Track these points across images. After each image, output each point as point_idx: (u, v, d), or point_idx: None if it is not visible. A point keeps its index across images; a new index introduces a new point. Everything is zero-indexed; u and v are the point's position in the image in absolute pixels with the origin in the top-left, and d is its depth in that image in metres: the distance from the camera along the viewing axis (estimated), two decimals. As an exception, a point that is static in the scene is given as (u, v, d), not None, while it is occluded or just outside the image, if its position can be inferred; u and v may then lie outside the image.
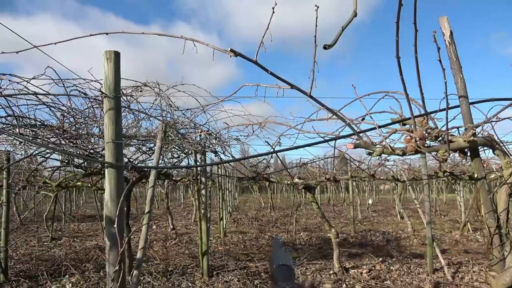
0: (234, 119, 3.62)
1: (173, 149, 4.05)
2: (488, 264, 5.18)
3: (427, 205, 5.30)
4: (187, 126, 3.80)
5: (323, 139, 2.17)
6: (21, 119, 2.52)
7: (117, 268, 2.01)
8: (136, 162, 3.97)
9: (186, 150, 4.19)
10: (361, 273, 5.16)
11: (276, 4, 1.31)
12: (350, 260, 6.05)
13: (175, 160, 4.43)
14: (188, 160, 4.66)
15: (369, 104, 2.15)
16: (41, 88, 2.26)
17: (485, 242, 7.62)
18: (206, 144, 4.18)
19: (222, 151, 4.50)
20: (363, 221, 12.07)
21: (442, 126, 1.84)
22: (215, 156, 4.75)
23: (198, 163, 4.55)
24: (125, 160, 3.74)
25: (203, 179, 4.89)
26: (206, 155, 4.65)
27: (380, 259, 5.93)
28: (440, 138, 1.85)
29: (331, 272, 5.14)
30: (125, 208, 3.78)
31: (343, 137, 2.00)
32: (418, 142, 1.73)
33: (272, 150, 3.39)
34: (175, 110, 3.46)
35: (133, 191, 9.11)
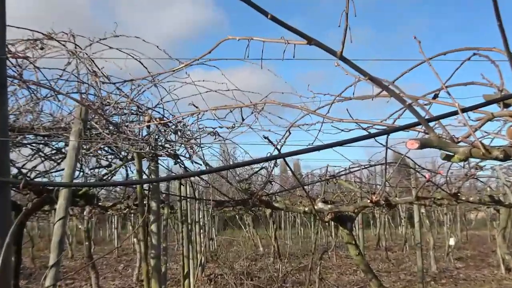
0: (208, 98, 3.64)
1: (99, 151, 4.08)
2: None
3: (551, 248, 5.39)
4: (125, 110, 3.83)
5: (367, 133, 2.21)
6: None
7: None
8: (33, 175, 3.98)
9: (123, 152, 4.22)
10: None
11: None
12: None
13: (104, 170, 4.45)
14: (126, 170, 4.68)
15: (445, 71, 2.18)
16: None
17: None
18: (159, 143, 4.21)
19: (187, 155, 4.53)
20: (441, 276, 12.17)
21: None
22: (176, 163, 4.78)
23: (144, 177, 4.57)
24: (14, 170, 3.75)
25: (153, 204, 4.91)
26: (160, 161, 4.68)
27: None
28: None
29: None
30: (13, 258, 3.80)
31: (401, 129, 2.05)
32: (531, 137, 1.77)
33: (276, 152, 3.42)
34: (104, 82, 3.49)
35: (26, 227, 9.09)
